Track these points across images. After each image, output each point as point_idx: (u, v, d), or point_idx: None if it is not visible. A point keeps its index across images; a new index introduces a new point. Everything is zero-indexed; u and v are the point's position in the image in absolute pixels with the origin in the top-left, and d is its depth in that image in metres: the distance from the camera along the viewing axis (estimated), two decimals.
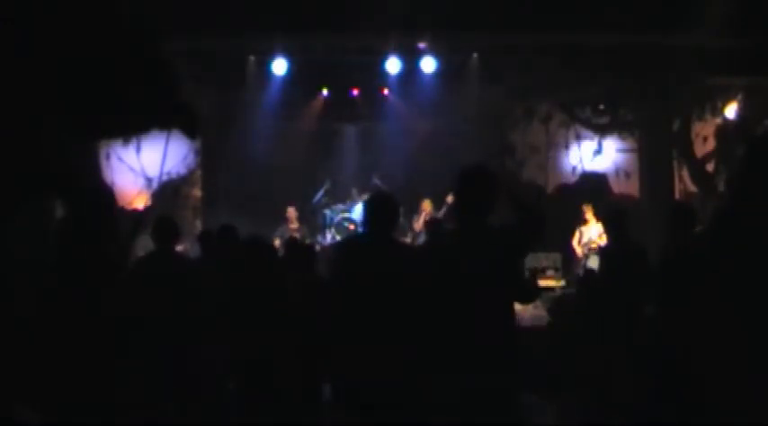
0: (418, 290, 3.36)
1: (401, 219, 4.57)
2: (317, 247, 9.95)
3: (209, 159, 12.58)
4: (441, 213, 10.44)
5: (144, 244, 7.79)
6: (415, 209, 10.89)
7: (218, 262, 5.32)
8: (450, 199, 10.64)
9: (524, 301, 3.83)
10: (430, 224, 8.98)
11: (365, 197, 11.58)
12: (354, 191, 11.78)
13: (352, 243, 4.69)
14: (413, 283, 3.43)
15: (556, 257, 10.16)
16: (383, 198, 4.22)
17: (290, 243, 6.72)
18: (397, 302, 3.52)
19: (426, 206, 10.76)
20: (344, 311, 3.89)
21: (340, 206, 11.76)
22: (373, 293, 3.74)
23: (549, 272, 9.99)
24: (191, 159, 12.61)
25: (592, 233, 9.85)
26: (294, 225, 10.96)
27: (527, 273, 7.95)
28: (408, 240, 10.36)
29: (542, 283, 9.54)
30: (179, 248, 6.31)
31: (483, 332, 3.15)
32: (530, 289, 3.94)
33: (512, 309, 3.34)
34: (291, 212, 11.05)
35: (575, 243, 10.10)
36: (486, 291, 3.18)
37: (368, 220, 4.12)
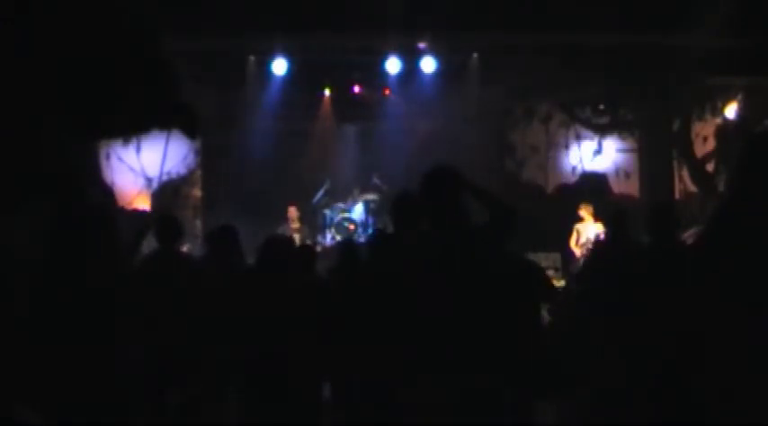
0: (412, 289, 3.34)
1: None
2: (318, 247, 9.94)
3: (209, 159, 12.57)
4: None
5: (147, 244, 7.74)
6: None
7: (218, 262, 5.32)
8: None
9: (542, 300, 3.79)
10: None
11: (365, 197, 11.59)
12: (354, 191, 11.77)
13: (379, 241, 4.58)
14: (405, 282, 3.41)
15: (556, 257, 10.15)
16: (407, 197, 4.07)
17: (290, 243, 6.71)
18: (397, 302, 3.51)
19: None
20: (371, 310, 3.83)
21: (340, 206, 11.75)
22: (373, 292, 3.74)
23: (549, 272, 9.97)
24: (191, 159, 12.61)
25: (589, 232, 9.84)
26: (295, 224, 10.96)
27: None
28: None
29: None
30: (182, 248, 6.30)
31: (483, 331, 3.15)
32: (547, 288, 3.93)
33: (518, 308, 3.32)
34: (293, 212, 11.05)
35: (572, 243, 10.08)
36: (482, 291, 3.17)
37: (395, 220, 4.03)
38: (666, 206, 5.83)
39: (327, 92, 12.36)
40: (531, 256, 9.89)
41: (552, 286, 4.39)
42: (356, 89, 12.30)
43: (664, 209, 5.17)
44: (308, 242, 9.86)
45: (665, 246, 4.59)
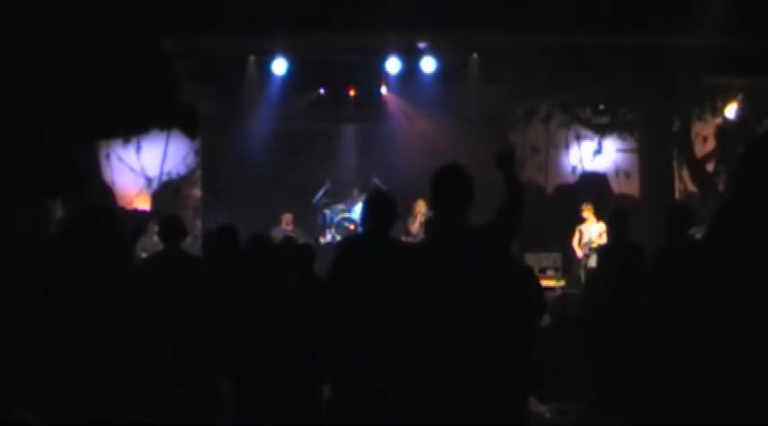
0: (414, 290, 3.34)
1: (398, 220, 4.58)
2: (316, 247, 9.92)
3: (209, 159, 12.58)
4: None
5: (143, 243, 7.73)
6: (413, 210, 10.85)
7: (218, 262, 5.32)
8: (419, 206, 10.52)
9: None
10: (429, 224, 8.93)
11: (365, 197, 11.57)
12: (354, 191, 11.77)
13: (351, 242, 4.69)
14: (409, 282, 3.41)
15: (556, 257, 10.14)
16: (381, 196, 4.22)
17: (289, 242, 6.70)
18: (395, 301, 3.51)
19: (421, 207, 10.67)
20: (344, 311, 3.89)
21: (340, 206, 11.75)
22: (371, 292, 3.73)
23: (549, 272, 9.97)
24: (191, 159, 12.61)
25: (591, 232, 9.84)
26: (289, 227, 10.94)
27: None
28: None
29: (543, 283, 9.54)
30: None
31: (482, 331, 3.15)
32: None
33: (514, 309, 3.32)
34: (288, 217, 11.03)
35: (575, 243, 10.09)
36: (482, 291, 3.16)
37: (366, 219, 4.14)
38: (682, 206, 5.83)
39: (327, 92, 12.35)
40: (532, 256, 9.96)
41: (542, 296, 4.35)
42: (356, 89, 12.29)
43: (680, 209, 5.15)
44: (303, 242, 9.84)
45: (676, 245, 4.56)
